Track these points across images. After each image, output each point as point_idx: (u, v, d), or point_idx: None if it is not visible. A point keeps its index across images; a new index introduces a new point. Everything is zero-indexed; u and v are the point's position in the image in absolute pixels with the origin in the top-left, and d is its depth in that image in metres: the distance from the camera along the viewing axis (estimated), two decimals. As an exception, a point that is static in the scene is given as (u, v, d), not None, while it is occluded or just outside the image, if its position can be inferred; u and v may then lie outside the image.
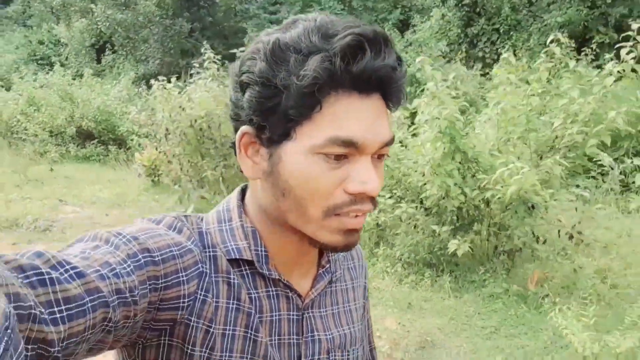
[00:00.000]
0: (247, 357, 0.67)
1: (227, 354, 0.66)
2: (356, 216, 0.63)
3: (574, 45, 9.87)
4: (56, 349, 0.46)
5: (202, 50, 6.79)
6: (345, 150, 0.60)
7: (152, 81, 6.86)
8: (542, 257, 4.27)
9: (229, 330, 0.66)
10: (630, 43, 3.89)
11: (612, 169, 4.71)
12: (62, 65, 13.76)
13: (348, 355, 0.78)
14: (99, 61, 15.35)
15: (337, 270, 0.80)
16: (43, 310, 0.46)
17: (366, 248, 4.83)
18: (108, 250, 0.56)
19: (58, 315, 0.47)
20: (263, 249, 0.70)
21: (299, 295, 0.73)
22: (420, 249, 4.45)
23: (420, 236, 4.44)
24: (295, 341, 0.72)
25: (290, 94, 0.59)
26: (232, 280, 0.68)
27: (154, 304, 0.59)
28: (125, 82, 12.07)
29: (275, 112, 0.61)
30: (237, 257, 0.68)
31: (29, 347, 0.44)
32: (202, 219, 0.72)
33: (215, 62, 6.68)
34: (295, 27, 0.61)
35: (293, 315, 0.72)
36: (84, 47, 15.41)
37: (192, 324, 0.64)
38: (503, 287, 4.08)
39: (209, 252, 0.68)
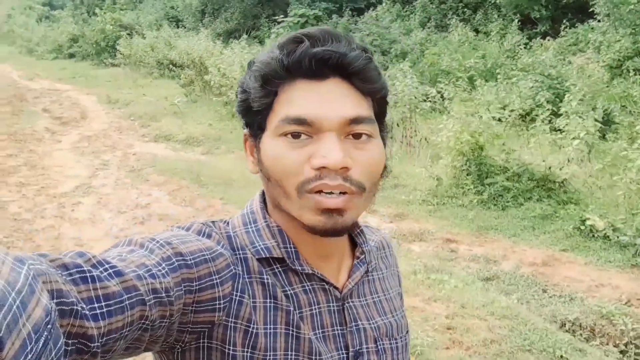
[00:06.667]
0: (291, 355, 0.68)
1: (272, 352, 0.67)
2: (331, 193, 0.64)
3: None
4: (96, 344, 0.48)
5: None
6: (300, 127, 0.65)
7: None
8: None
9: (270, 329, 0.68)
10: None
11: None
12: (177, 22, 20.79)
13: (396, 342, 0.79)
14: (202, 20, 22.02)
15: (372, 260, 0.81)
16: (84, 306, 0.48)
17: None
18: (143, 254, 0.59)
19: (98, 311, 0.49)
20: (292, 245, 0.72)
21: (335, 287, 0.74)
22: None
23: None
24: (339, 332, 0.73)
25: (252, 91, 0.69)
26: (265, 280, 0.69)
27: (189, 306, 0.61)
28: (208, 35, 18.09)
29: (249, 110, 0.70)
30: (267, 255, 0.70)
31: (70, 341, 0.46)
32: (227, 223, 0.75)
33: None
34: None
35: (333, 306, 0.73)
36: (195, 10, 22.27)
37: (230, 324, 0.66)
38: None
39: (239, 254, 0.70)
